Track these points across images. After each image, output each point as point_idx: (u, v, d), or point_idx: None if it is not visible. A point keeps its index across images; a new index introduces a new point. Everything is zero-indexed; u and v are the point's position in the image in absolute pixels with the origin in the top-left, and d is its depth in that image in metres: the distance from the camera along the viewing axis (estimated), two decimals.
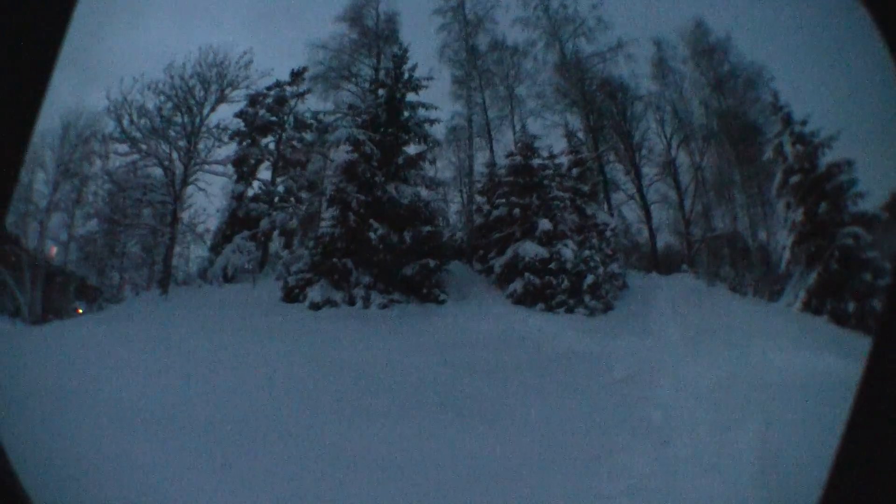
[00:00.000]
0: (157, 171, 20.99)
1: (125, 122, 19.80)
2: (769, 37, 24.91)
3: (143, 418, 6.37)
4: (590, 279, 18.35)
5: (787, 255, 17.98)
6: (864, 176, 16.97)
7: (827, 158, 17.71)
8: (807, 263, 17.32)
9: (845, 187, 17.07)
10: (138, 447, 5.49)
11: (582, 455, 6.38)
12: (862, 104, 15.90)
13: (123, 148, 20.28)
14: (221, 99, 21.94)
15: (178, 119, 21.01)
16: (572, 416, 8.00)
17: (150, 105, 20.28)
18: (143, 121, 20.08)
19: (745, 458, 5.83)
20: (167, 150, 20.42)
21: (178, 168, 20.46)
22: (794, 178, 17.80)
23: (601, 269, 18.91)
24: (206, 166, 21.25)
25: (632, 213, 26.53)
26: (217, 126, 21.72)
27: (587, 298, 18.17)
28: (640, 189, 26.49)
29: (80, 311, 21.13)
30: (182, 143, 20.66)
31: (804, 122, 18.34)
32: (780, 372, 9.56)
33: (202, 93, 21.48)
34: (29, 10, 1.75)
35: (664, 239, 26.88)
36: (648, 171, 26.90)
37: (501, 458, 6.27)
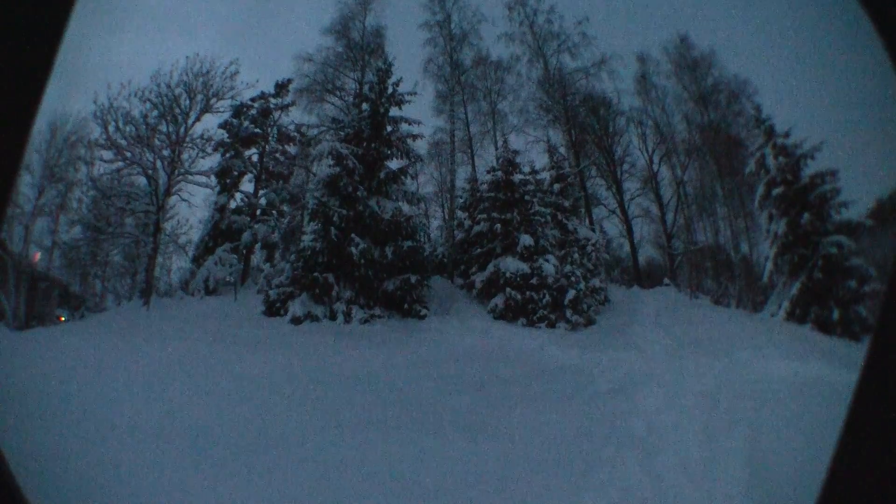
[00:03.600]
0: (141, 180, 20.95)
1: (111, 128, 19.74)
2: (753, 49, 25.26)
3: (133, 425, 6.37)
4: (571, 294, 18.47)
5: (769, 265, 18.04)
6: (850, 183, 17.13)
7: (810, 169, 17.88)
8: (790, 273, 17.40)
9: (829, 197, 17.20)
10: (127, 454, 5.49)
11: (569, 467, 6.29)
12: (847, 112, 16.10)
13: (108, 154, 20.22)
14: (206, 109, 21.87)
15: (163, 128, 20.92)
16: (559, 429, 7.92)
17: (136, 112, 20.24)
18: (128, 128, 20.03)
19: (734, 468, 5.79)
20: (151, 159, 20.36)
21: (162, 177, 20.38)
22: (777, 190, 17.89)
23: (583, 284, 19.05)
24: (190, 176, 21.12)
25: (613, 227, 26.77)
26: (201, 136, 21.63)
27: (569, 313, 18.29)
28: (621, 204, 26.74)
29: (63, 318, 20.83)
30: (166, 153, 20.58)
31: (787, 134, 18.51)
32: (765, 380, 9.58)
33: (187, 102, 21.44)
34: (24, 16, 1.75)
35: (646, 253, 27.18)
36: (630, 185, 27.22)
37: (487, 471, 6.18)
